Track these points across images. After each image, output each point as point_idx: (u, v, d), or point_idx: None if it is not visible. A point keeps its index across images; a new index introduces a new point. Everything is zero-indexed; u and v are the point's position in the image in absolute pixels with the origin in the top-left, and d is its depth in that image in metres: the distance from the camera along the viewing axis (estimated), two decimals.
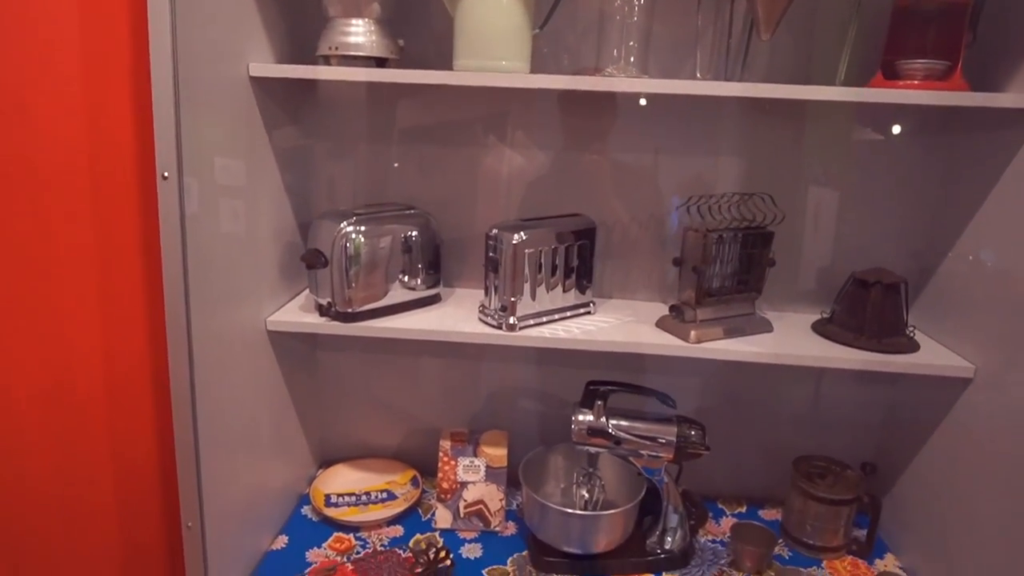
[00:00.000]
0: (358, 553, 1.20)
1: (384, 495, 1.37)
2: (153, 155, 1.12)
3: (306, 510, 1.33)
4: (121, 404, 1.32)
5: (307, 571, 1.14)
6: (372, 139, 1.29)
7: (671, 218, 1.26)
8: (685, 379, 1.33)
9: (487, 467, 1.29)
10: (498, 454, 1.29)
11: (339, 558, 1.18)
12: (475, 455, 1.30)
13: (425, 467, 1.41)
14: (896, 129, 1.20)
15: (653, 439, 1.11)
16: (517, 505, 1.33)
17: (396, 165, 1.30)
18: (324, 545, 1.22)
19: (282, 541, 1.23)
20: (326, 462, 1.48)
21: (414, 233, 1.19)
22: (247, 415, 1.13)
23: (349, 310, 1.13)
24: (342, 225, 1.11)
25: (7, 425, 1.22)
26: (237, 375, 1.08)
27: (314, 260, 1.12)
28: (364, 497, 1.36)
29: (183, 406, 0.94)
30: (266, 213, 1.15)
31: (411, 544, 1.22)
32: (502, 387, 1.41)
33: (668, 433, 1.10)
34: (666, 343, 1.08)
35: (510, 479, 1.28)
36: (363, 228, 1.12)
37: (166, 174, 0.85)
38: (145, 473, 1.39)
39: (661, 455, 1.11)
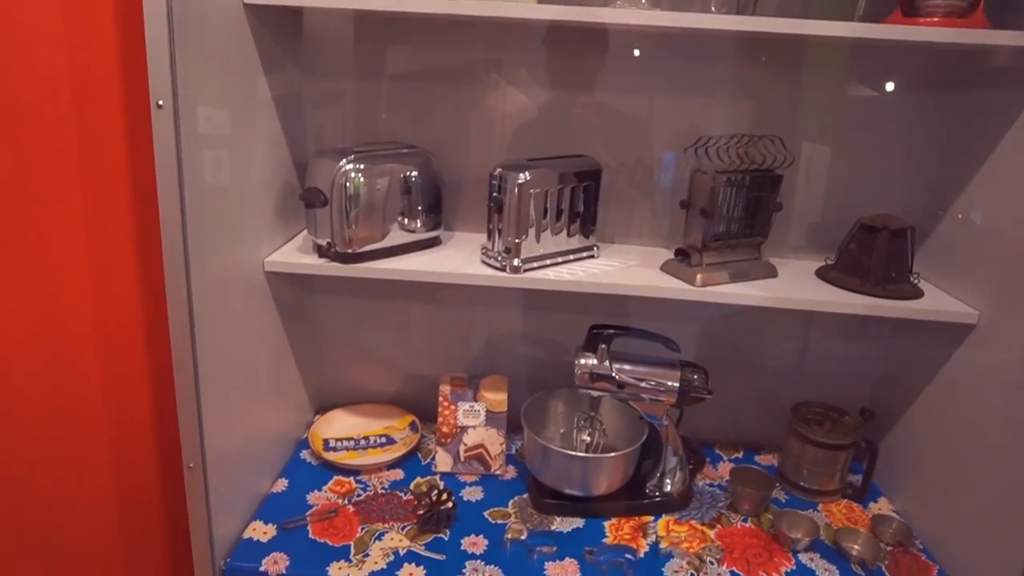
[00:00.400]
0: (359, 496, 1.21)
1: (383, 440, 1.37)
2: (142, 86, 1.08)
3: (305, 454, 1.33)
4: (113, 345, 1.31)
5: (308, 513, 1.15)
6: (367, 77, 1.25)
7: (664, 162, 1.24)
8: (684, 326, 1.32)
9: (487, 412, 1.30)
10: (498, 399, 1.30)
11: (340, 500, 1.19)
12: (475, 400, 1.30)
13: (423, 412, 1.42)
14: (901, 81, 1.17)
15: (656, 383, 1.11)
16: (516, 449, 1.34)
17: (389, 106, 1.26)
18: (324, 488, 1.23)
19: (282, 484, 1.24)
20: (323, 407, 1.48)
21: (414, 173, 1.16)
22: (245, 358, 1.12)
23: (349, 251, 1.11)
24: (341, 163, 1.08)
25: (8, 379, 1.21)
26: (235, 317, 1.07)
27: (313, 199, 1.09)
28: (363, 441, 1.37)
29: (183, 347, 0.93)
30: (261, 150, 1.12)
31: (412, 487, 1.24)
32: (501, 333, 1.41)
33: (671, 377, 1.11)
34: (672, 286, 1.08)
35: (510, 424, 1.29)
36: (363, 166, 1.09)
37: (160, 103, 0.82)
38: (139, 415, 1.39)
39: (663, 399, 1.12)
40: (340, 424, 1.42)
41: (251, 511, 1.16)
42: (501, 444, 1.29)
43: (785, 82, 1.19)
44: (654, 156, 1.25)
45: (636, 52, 1.20)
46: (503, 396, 1.30)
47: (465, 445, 1.28)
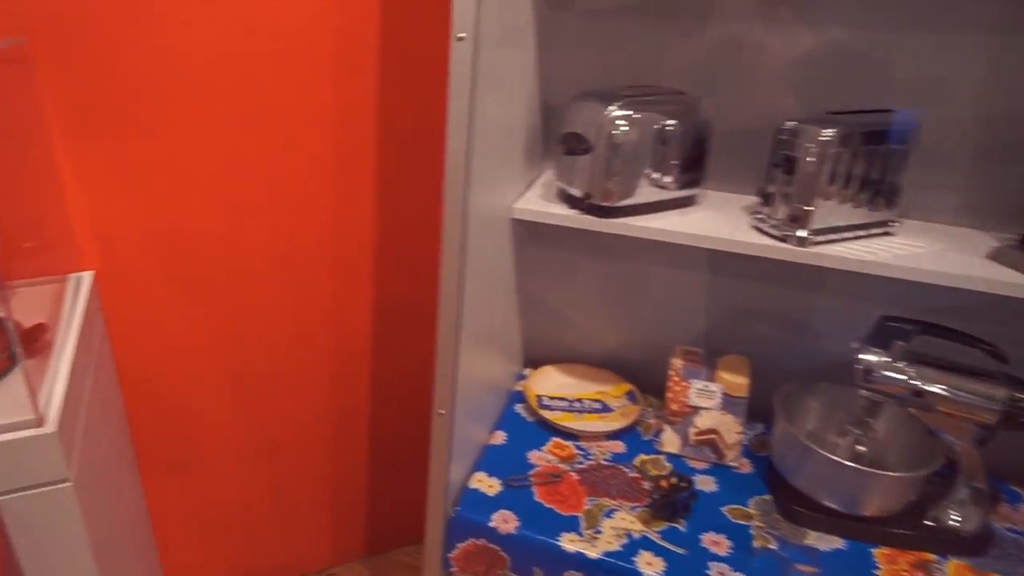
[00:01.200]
0: (581, 463, 1.19)
1: (598, 405, 1.35)
2: (398, 17, 1.09)
3: (519, 409, 1.35)
4: (344, 276, 1.40)
5: (531, 473, 1.16)
6: (616, 12, 1.17)
7: (985, 118, 1.02)
8: (993, 328, 1.13)
9: (724, 394, 1.21)
10: (738, 382, 1.20)
11: (562, 465, 1.19)
12: (710, 379, 1.22)
13: (640, 381, 1.38)
14: None
15: (971, 398, 0.95)
16: (749, 441, 1.26)
17: (632, 44, 1.17)
18: (544, 448, 1.23)
19: (500, 437, 1.26)
20: (531, 361, 1.48)
21: (682, 122, 1.07)
22: (488, 304, 1.13)
23: (606, 204, 1.06)
24: (610, 108, 1.01)
25: (244, 280, 1.34)
26: (486, 262, 1.07)
27: (574, 145, 1.05)
28: (576, 404, 1.35)
29: (451, 290, 0.94)
30: (522, 87, 1.09)
31: (637, 463, 1.20)
32: (743, 307, 1.30)
33: (994, 394, 0.94)
34: (1013, 281, 0.90)
35: (749, 411, 1.20)
36: (632, 113, 1.02)
37: (462, 35, 0.80)
38: (359, 345, 1.49)
39: (976, 418, 0.96)
40: (552, 381, 1.41)
41: (473, 460, 1.19)
42: (738, 433, 1.20)
43: None
44: (970, 112, 1.05)
45: None
46: (744, 380, 1.20)
47: (696, 428, 1.22)
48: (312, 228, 1.33)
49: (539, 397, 1.35)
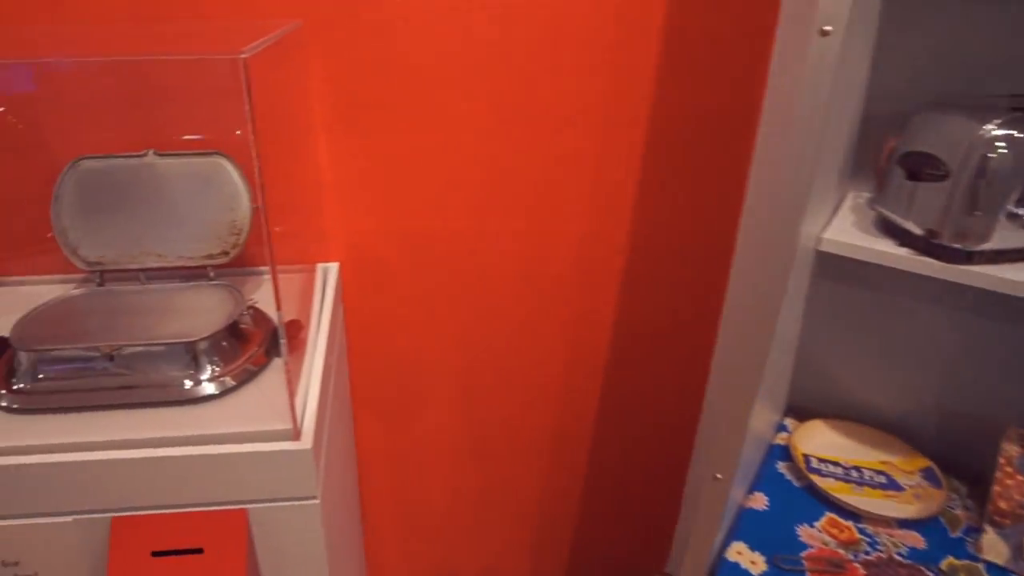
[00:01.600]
0: (867, 553, 1.03)
1: (883, 479, 1.16)
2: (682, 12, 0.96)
3: (781, 468, 1.20)
4: (587, 291, 1.33)
5: (803, 554, 1.02)
6: None
7: None
8: None
9: None
10: None
11: (843, 551, 1.03)
12: None
13: (938, 457, 1.17)
14: None
15: None
16: None
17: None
18: (816, 524, 1.08)
19: (761, 501, 1.12)
20: (793, 411, 1.33)
21: None
22: (776, 350, 1.00)
23: (958, 246, 0.87)
24: (987, 127, 0.83)
25: (482, 283, 1.32)
26: (784, 302, 0.94)
27: (925, 169, 0.87)
28: (854, 473, 1.17)
29: (758, 344, 0.83)
30: (853, 91, 0.93)
31: (944, 567, 1.01)
32: None
33: None
34: None
35: None
36: (1015, 132, 0.83)
37: (828, 28, 0.67)
38: (594, 364, 1.42)
39: None
40: (822, 440, 1.25)
41: (729, 524, 1.07)
42: None
43: None
44: None
45: None
46: None
47: None
48: (561, 235, 1.27)
49: (807, 457, 1.20)
